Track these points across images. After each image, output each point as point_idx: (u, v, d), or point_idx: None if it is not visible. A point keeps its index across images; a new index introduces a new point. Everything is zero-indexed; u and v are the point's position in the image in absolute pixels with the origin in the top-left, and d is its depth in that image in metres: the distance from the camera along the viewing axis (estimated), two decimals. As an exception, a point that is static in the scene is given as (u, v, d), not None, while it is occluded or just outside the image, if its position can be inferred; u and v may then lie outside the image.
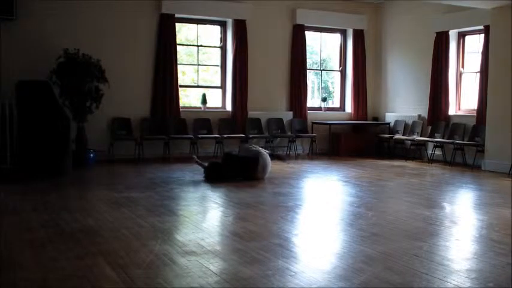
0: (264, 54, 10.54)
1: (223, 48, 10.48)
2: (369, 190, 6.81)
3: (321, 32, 11.44)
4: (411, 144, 10.27)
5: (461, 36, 9.98)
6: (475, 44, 9.86)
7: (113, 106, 9.04)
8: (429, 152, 9.93)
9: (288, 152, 10.47)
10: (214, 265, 3.55)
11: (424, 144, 10.05)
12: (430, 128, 10.10)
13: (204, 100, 10.20)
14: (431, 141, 9.78)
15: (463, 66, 10.03)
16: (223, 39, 10.46)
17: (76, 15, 8.95)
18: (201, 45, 10.43)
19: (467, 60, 10.02)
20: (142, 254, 3.77)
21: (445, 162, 9.58)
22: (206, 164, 7.39)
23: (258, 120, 10.36)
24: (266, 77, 10.59)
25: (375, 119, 11.59)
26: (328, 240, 4.37)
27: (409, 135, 10.43)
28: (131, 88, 9.45)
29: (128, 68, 9.42)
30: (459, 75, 10.06)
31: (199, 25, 10.33)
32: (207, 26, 10.46)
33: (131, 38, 9.45)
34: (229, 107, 10.35)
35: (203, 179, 7.26)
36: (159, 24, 9.61)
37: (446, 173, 8.54)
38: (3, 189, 6.38)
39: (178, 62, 9.87)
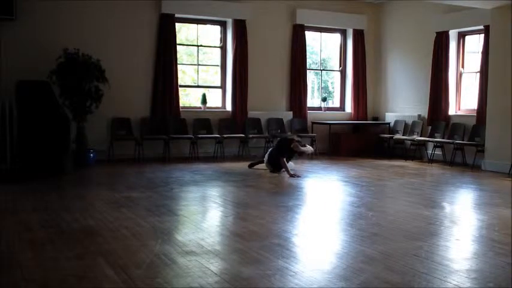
0: (264, 54, 10.53)
1: (223, 48, 10.48)
2: (368, 190, 6.81)
3: (321, 32, 11.44)
4: (411, 144, 10.27)
5: (461, 36, 9.98)
6: (475, 44, 9.86)
7: (113, 106, 9.04)
8: (429, 152, 9.93)
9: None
10: (214, 265, 3.54)
11: (424, 144, 10.04)
12: (430, 128, 10.10)
13: (204, 100, 10.20)
14: (431, 141, 9.77)
15: (463, 66, 10.03)
16: (223, 39, 10.46)
17: (76, 15, 8.96)
18: (201, 45, 10.42)
19: (467, 60, 10.02)
20: (142, 254, 3.77)
21: (445, 162, 9.58)
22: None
23: (258, 120, 10.36)
24: (266, 77, 10.59)
25: (375, 119, 11.58)
26: (328, 240, 4.37)
27: (409, 135, 10.42)
28: (131, 88, 9.45)
29: (128, 68, 9.41)
30: (459, 75, 10.06)
31: (199, 25, 10.33)
32: (207, 26, 10.46)
33: (131, 38, 9.45)
34: (229, 107, 10.35)
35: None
36: (159, 24, 9.61)
37: (446, 173, 8.54)
38: (3, 189, 6.38)
39: (178, 62, 9.86)
